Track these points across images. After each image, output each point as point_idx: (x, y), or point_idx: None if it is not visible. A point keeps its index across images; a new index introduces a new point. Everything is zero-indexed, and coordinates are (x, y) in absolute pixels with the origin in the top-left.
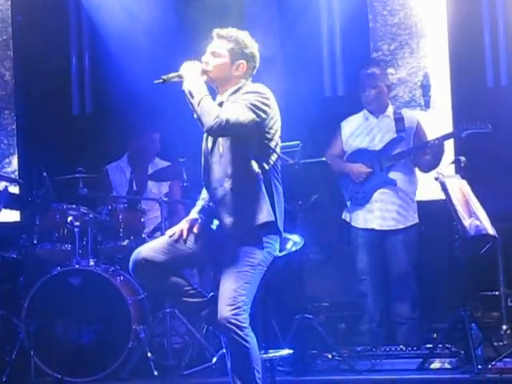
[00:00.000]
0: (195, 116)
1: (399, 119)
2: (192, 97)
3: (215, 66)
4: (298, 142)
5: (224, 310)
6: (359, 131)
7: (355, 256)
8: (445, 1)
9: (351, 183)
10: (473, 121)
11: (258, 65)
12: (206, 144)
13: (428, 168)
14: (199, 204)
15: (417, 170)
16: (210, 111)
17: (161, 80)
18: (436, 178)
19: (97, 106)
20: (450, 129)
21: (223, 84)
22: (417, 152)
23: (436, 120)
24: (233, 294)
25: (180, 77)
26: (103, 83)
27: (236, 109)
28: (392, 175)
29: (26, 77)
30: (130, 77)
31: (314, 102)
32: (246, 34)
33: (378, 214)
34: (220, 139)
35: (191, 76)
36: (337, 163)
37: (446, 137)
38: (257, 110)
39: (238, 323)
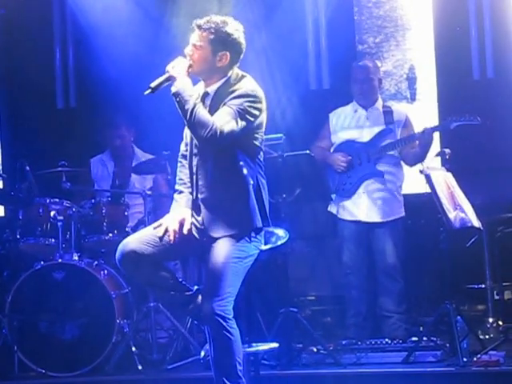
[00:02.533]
0: (187, 124)
1: (388, 112)
2: (182, 103)
3: (197, 59)
4: (281, 134)
5: (210, 301)
6: (348, 123)
7: (341, 248)
8: None
9: (338, 175)
10: (461, 113)
11: (243, 50)
12: (191, 143)
13: (414, 161)
14: (185, 193)
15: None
16: (203, 123)
17: (149, 90)
18: (421, 171)
19: (81, 100)
20: (435, 121)
21: (209, 77)
22: (404, 144)
23: (422, 112)
24: (219, 286)
25: (168, 79)
26: (87, 77)
27: (228, 117)
28: (379, 167)
29: (10, 70)
30: (113, 70)
31: (299, 95)
32: (228, 20)
33: (365, 205)
34: None
35: (180, 77)
36: (321, 154)
37: (435, 128)
38: (248, 116)
39: (223, 314)
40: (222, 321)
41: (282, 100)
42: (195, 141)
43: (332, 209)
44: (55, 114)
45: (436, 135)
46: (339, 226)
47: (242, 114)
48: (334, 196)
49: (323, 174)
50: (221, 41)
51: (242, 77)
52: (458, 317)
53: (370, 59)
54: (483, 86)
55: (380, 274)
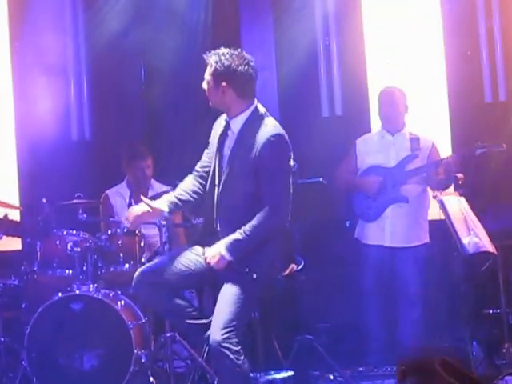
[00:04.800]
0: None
1: (415, 139)
2: (239, 253)
3: (208, 93)
4: (293, 162)
5: (216, 334)
6: (374, 149)
7: (362, 274)
8: (440, 15)
9: (363, 200)
10: (486, 139)
11: (250, 81)
12: (215, 164)
13: (440, 188)
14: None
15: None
16: (259, 233)
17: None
18: (434, 197)
19: (96, 133)
20: (448, 145)
21: (227, 110)
22: (430, 170)
23: (434, 136)
24: (226, 318)
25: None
26: (102, 110)
27: (278, 198)
28: (404, 193)
29: (26, 101)
30: (128, 103)
31: (311, 122)
32: (232, 51)
33: (389, 230)
34: (228, 161)
35: (212, 252)
36: (349, 179)
37: (460, 155)
38: (289, 174)
39: (230, 346)
40: (228, 352)
41: (294, 127)
42: (218, 172)
43: (356, 233)
44: (71, 146)
45: None
46: (361, 250)
47: (286, 186)
48: (347, 223)
49: (350, 199)
50: (220, 73)
51: (262, 117)
52: (474, 342)
53: (397, 87)
54: (495, 109)
55: (400, 299)
